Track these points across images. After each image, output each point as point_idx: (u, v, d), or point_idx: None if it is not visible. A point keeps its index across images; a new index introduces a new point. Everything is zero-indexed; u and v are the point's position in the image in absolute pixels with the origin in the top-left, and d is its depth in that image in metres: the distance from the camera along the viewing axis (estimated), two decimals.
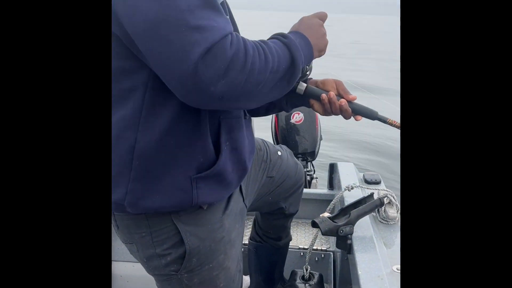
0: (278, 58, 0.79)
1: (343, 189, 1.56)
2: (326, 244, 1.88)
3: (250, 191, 1.20)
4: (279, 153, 1.34)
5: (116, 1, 0.72)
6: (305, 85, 1.04)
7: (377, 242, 1.28)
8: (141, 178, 0.85)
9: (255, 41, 0.80)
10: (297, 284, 1.49)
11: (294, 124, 2.43)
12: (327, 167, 2.04)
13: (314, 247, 1.80)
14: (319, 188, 2.50)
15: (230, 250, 1.01)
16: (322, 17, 0.97)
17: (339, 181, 1.82)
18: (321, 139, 2.54)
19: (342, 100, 1.03)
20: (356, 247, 1.24)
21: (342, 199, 1.55)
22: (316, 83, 1.08)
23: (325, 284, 1.70)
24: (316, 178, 2.59)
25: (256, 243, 1.53)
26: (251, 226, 1.57)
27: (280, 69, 0.79)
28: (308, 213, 1.96)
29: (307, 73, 1.02)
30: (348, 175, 1.81)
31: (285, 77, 0.82)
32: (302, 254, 1.81)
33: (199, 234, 0.94)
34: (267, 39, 0.85)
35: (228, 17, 0.78)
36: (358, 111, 1.05)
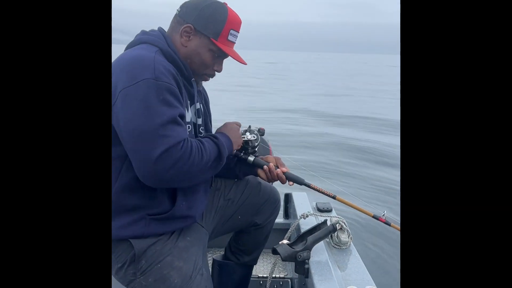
0: (210, 154, 1.15)
1: (298, 217, 1.67)
2: (284, 271, 1.96)
3: (209, 214, 1.43)
4: (236, 180, 1.54)
5: (118, 108, 1.07)
6: (253, 157, 1.46)
7: (332, 265, 1.38)
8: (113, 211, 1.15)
9: (197, 140, 1.15)
10: None
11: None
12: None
13: (273, 275, 1.87)
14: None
15: (180, 254, 1.20)
16: (238, 124, 1.41)
17: (294, 210, 1.93)
18: None
19: (278, 170, 1.44)
20: (313, 271, 1.33)
21: (298, 227, 1.66)
22: (262, 158, 1.48)
23: None
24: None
25: (223, 261, 1.61)
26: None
27: (210, 161, 1.15)
28: (267, 243, 2.04)
29: (256, 149, 1.47)
30: (302, 204, 1.93)
31: (213, 166, 1.18)
32: (261, 282, 1.87)
33: (146, 241, 1.18)
34: (204, 137, 1.23)
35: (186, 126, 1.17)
36: (290, 178, 1.46)
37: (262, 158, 1.48)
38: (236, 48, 1.32)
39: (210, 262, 1.63)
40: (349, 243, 1.58)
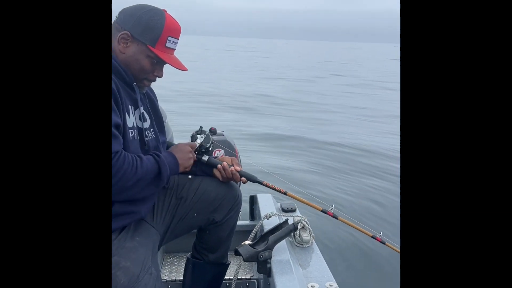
0: (147, 171, 1.20)
1: (262, 218, 1.70)
2: (250, 273, 1.98)
3: (159, 214, 1.45)
4: (190, 176, 1.55)
5: None
6: (207, 157, 1.51)
7: (293, 264, 1.42)
8: None
9: (135, 156, 1.19)
10: None
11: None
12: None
13: (240, 277, 1.89)
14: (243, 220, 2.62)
15: (127, 254, 1.20)
16: (193, 146, 1.47)
17: (259, 212, 1.96)
18: None
19: (232, 168, 1.49)
20: (274, 269, 1.36)
21: (262, 228, 1.68)
22: (217, 158, 1.55)
23: None
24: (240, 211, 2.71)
25: (194, 260, 1.61)
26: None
27: (147, 178, 1.21)
28: (232, 245, 2.06)
29: (209, 149, 1.52)
30: (266, 205, 1.96)
31: (153, 183, 1.24)
32: (228, 284, 1.89)
33: None
34: (148, 154, 1.28)
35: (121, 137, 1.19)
36: (243, 175, 1.51)
37: (218, 159, 1.53)
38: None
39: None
40: (311, 242, 1.62)
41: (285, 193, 1.58)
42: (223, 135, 2.52)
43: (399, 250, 1.56)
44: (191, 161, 1.44)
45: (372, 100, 11.15)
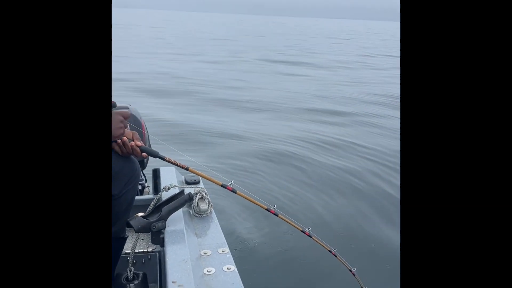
0: None
1: (161, 190, 1.69)
2: (153, 246, 1.97)
3: None
4: None
5: None
6: None
7: (187, 233, 1.43)
8: None
9: None
10: (121, 285, 1.54)
11: None
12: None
13: (141, 250, 1.88)
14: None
15: None
16: (124, 114, 1.41)
17: (161, 185, 1.94)
18: (150, 147, 2.63)
19: (132, 143, 1.45)
20: (167, 239, 1.37)
21: (160, 200, 1.67)
22: None
23: (152, 284, 1.79)
24: (148, 186, 2.67)
25: None
26: None
27: None
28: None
29: None
30: (168, 178, 1.95)
31: None
32: (128, 259, 1.86)
33: None
34: None
35: None
36: (144, 151, 1.47)
37: None
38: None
39: None
40: (209, 211, 1.65)
41: (186, 169, 1.57)
42: (128, 108, 2.43)
43: (288, 220, 1.67)
44: (122, 131, 1.40)
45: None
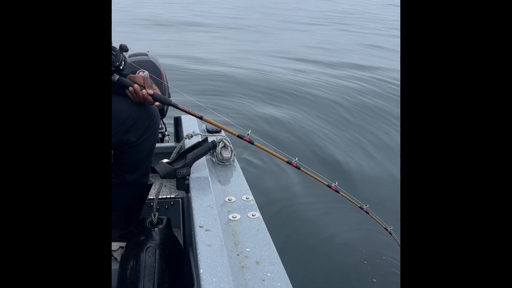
0: None
1: (184, 138, 1.68)
2: (176, 192, 2.01)
3: None
4: None
5: None
6: (118, 76, 1.40)
7: (211, 180, 1.44)
8: None
9: None
10: (145, 228, 1.58)
11: None
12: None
13: (165, 196, 1.91)
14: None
15: None
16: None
17: (183, 133, 1.94)
18: (169, 96, 2.61)
19: (144, 91, 1.42)
20: (192, 186, 1.38)
21: (183, 147, 1.67)
22: (129, 77, 1.44)
23: (175, 228, 1.83)
24: (168, 135, 2.67)
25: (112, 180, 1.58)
26: None
27: None
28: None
29: (121, 67, 1.41)
30: (190, 126, 1.94)
31: None
32: (152, 204, 1.91)
33: None
34: None
35: None
36: (157, 99, 1.45)
37: (130, 78, 1.44)
38: None
39: None
40: (232, 159, 1.65)
41: (200, 118, 1.54)
42: (146, 55, 2.37)
43: (312, 174, 1.65)
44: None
45: None
